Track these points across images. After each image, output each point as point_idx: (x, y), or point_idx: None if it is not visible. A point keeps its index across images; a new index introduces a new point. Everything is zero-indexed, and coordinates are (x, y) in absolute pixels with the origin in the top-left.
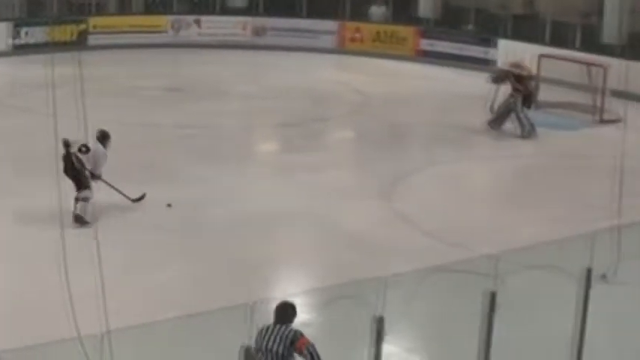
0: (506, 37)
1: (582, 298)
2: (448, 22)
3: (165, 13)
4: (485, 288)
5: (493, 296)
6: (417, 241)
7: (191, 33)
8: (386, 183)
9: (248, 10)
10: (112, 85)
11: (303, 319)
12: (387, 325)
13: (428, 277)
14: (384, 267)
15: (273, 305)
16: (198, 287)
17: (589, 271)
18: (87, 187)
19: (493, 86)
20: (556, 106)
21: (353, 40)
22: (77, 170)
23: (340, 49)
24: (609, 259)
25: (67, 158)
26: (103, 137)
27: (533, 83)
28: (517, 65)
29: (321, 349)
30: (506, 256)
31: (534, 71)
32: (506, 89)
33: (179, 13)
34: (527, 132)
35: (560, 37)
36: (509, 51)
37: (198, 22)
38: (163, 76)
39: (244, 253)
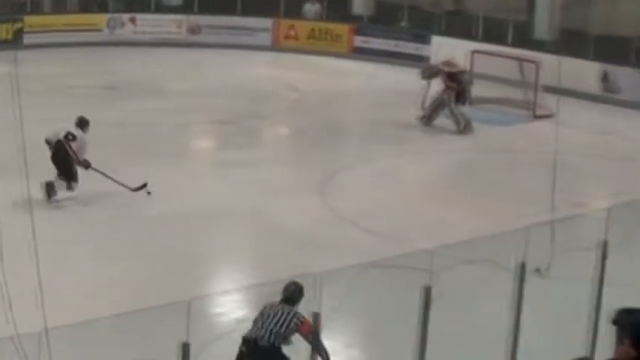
0: (439, 33)
1: (517, 292)
2: (382, 19)
3: (100, 11)
4: (421, 283)
5: (428, 291)
6: (353, 236)
7: (126, 31)
8: (322, 179)
9: (183, 9)
10: (47, 84)
11: (240, 315)
12: (324, 321)
13: (364, 273)
14: (321, 263)
15: (211, 302)
16: (135, 285)
17: (523, 266)
18: (76, 180)
19: (424, 82)
20: (490, 101)
21: (288, 37)
22: (70, 160)
23: (275, 47)
24: (543, 253)
25: (62, 148)
26: (83, 123)
27: (466, 78)
28: (448, 63)
29: None
30: (441, 251)
31: (466, 67)
32: (438, 86)
33: (114, 11)
34: (464, 127)
35: (492, 34)
36: (442, 47)
37: (133, 21)
38: (99, 75)
39: (182, 251)
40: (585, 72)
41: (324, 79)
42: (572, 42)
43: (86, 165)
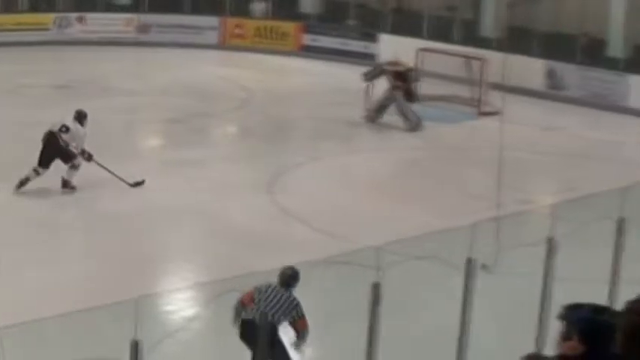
0: (386, 31)
1: (465, 288)
2: (330, 18)
3: (49, 10)
4: (370, 279)
5: (377, 287)
6: (301, 234)
7: (75, 30)
8: (271, 178)
9: (132, 7)
10: None
11: (190, 313)
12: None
13: (313, 270)
14: (270, 260)
15: (161, 300)
16: (85, 283)
17: (470, 262)
18: (74, 156)
19: (367, 84)
20: (437, 99)
21: (235, 36)
22: (63, 148)
23: (223, 45)
24: (490, 249)
25: (53, 138)
26: (81, 116)
27: (413, 76)
28: (393, 63)
29: (207, 343)
30: (390, 247)
31: (412, 65)
32: (382, 86)
33: (63, 10)
34: (415, 125)
35: (439, 31)
36: (389, 45)
37: (82, 20)
38: (50, 74)
39: (131, 249)
40: (531, 69)
41: (272, 78)
42: (517, 39)
43: (88, 158)
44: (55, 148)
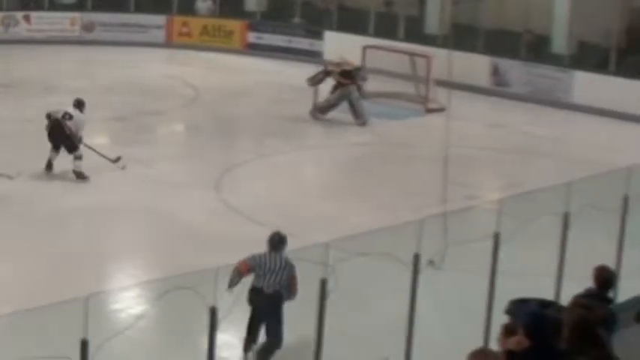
0: (332, 29)
1: (412, 284)
2: (275, 16)
3: None
4: (317, 276)
5: (324, 284)
6: (249, 231)
7: (21, 29)
8: (218, 175)
9: (77, 6)
10: None
11: (138, 310)
12: (220, 315)
13: None
14: (217, 258)
15: (109, 298)
16: (32, 282)
17: (417, 258)
18: (78, 147)
19: (312, 88)
20: (382, 96)
21: (181, 34)
22: (69, 135)
23: (169, 44)
24: (437, 245)
25: (59, 126)
26: (80, 104)
27: (361, 75)
28: (339, 64)
29: (156, 341)
30: (337, 244)
31: (358, 64)
32: (325, 87)
33: (8, 9)
34: (366, 120)
35: (384, 29)
36: (335, 43)
37: (27, 19)
38: None
39: (78, 247)
40: (476, 66)
41: (218, 76)
42: (462, 36)
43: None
44: (61, 134)
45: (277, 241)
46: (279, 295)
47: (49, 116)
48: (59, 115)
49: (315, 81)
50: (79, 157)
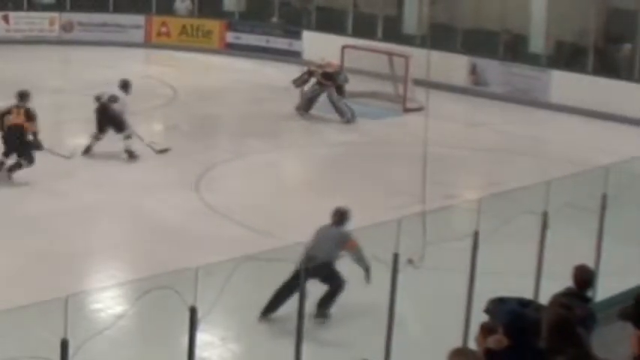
0: (310, 28)
1: (391, 283)
2: (253, 15)
3: None
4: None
5: (304, 283)
6: (227, 231)
7: None
8: (197, 175)
9: (56, 6)
10: None
11: (118, 310)
12: (200, 315)
13: (239, 267)
14: (196, 257)
15: (89, 298)
16: (12, 282)
17: (396, 257)
18: (125, 127)
19: (299, 89)
20: (361, 95)
21: (160, 34)
22: (115, 118)
23: (148, 44)
24: (416, 244)
25: (104, 109)
26: (125, 85)
27: (342, 78)
28: (321, 66)
29: (136, 341)
30: None
31: (341, 68)
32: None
33: None
34: (351, 117)
35: (363, 28)
36: (313, 42)
37: (6, 19)
38: None
39: (58, 248)
40: (454, 65)
41: (197, 76)
42: (440, 36)
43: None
44: (107, 117)
45: (340, 216)
46: (329, 265)
47: (98, 99)
48: (105, 98)
49: (300, 82)
50: (128, 137)
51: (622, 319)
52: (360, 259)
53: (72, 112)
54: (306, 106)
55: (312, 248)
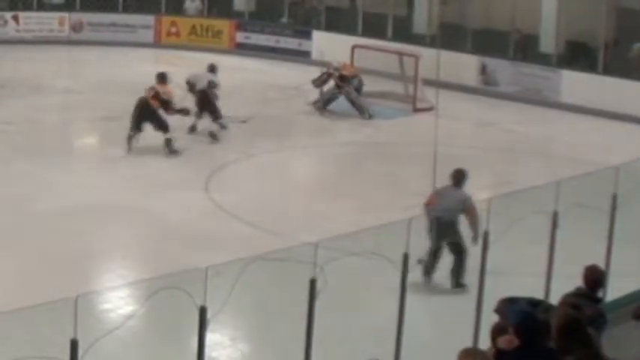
0: (320, 28)
1: (401, 284)
2: (263, 15)
3: None
4: (306, 276)
5: (313, 283)
6: (237, 230)
7: (9, 29)
8: (207, 175)
9: (66, 6)
10: None
11: (127, 310)
12: (210, 315)
13: (249, 267)
14: (206, 257)
15: (98, 298)
16: (22, 282)
17: (406, 257)
18: (221, 115)
19: (318, 89)
20: (371, 95)
21: (169, 34)
22: (214, 104)
23: (157, 44)
24: (426, 244)
25: (205, 96)
26: (214, 69)
27: (356, 83)
28: (338, 68)
29: (146, 341)
30: (326, 243)
31: (357, 73)
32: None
33: None
34: (372, 113)
35: (373, 28)
36: (323, 42)
37: (16, 19)
38: None
39: (69, 247)
40: (464, 65)
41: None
42: (450, 36)
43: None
44: (207, 104)
45: (459, 176)
46: (453, 224)
47: (192, 86)
48: (204, 85)
49: (319, 82)
50: (224, 126)
51: (637, 318)
52: (474, 224)
53: (81, 112)
54: (323, 104)
55: (436, 209)
